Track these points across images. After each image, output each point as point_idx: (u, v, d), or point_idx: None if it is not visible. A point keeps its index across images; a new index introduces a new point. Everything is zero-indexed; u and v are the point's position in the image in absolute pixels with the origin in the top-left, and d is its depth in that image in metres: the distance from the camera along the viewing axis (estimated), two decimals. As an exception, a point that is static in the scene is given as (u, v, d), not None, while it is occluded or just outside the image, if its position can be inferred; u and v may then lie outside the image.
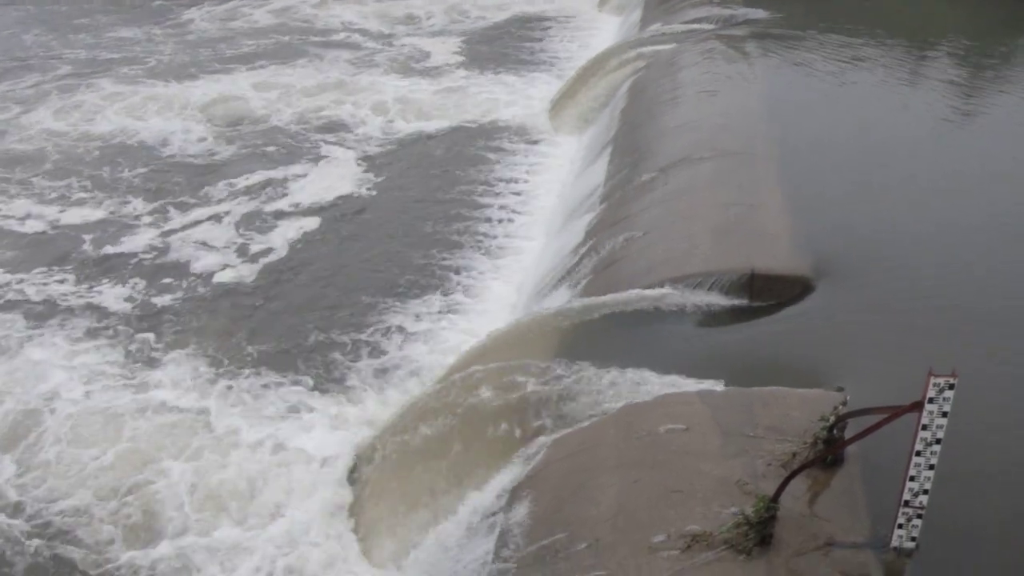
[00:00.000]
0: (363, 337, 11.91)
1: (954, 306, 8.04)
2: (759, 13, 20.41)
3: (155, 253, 14.48)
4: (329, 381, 11.03)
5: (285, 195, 16.62)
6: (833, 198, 10.50)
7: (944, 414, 4.80)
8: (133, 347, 11.86)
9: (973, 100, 14.27)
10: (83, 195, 16.86)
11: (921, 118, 13.58)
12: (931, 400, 4.77)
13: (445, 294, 12.88)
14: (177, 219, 15.71)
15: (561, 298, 10.07)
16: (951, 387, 4.72)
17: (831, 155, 11.89)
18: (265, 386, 10.96)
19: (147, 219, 15.75)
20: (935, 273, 8.63)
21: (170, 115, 21.03)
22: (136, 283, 13.54)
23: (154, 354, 11.72)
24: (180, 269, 13.97)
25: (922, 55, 17.62)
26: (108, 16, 32.61)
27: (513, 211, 15.56)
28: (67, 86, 23.50)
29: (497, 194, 16.31)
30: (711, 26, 19.78)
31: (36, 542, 8.75)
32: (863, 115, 13.67)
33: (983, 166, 11.35)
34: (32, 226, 15.58)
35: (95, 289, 13.41)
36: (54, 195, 16.81)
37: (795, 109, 14.01)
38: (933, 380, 4.72)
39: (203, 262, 14.16)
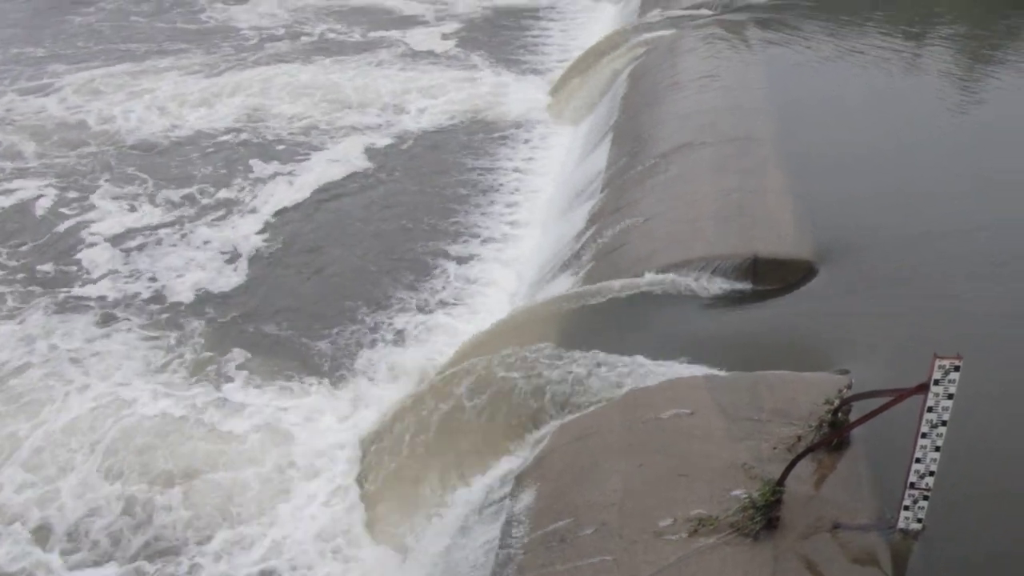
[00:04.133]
0: (364, 326, 11.91)
1: (957, 292, 8.02)
2: (759, -2, 20.35)
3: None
4: (332, 370, 11.04)
5: (280, 185, 16.62)
6: (835, 183, 10.48)
7: (950, 396, 4.80)
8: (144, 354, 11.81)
9: (977, 88, 14.21)
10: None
11: (924, 105, 13.54)
12: (936, 382, 4.77)
13: (445, 283, 12.88)
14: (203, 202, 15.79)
15: (564, 285, 10.06)
16: (956, 369, 4.72)
17: (833, 140, 11.88)
18: (269, 374, 10.98)
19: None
20: (937, 259, 8.61)
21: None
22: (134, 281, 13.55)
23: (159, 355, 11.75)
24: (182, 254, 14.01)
25: (924, 40, 17.59)
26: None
27: (513, 199, 15.55)
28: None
29: (496, 183, 16.30)
30: (711, 12, 19.71)
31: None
32: (865, 101, 13.64)
33: (986, 157, 11.29)
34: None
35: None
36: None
37: (796, 94, 13.99)
38: (938, 362, 4.72)
39: (206, 246, 14.21)
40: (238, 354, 11.43)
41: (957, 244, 8.88)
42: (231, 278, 13.36)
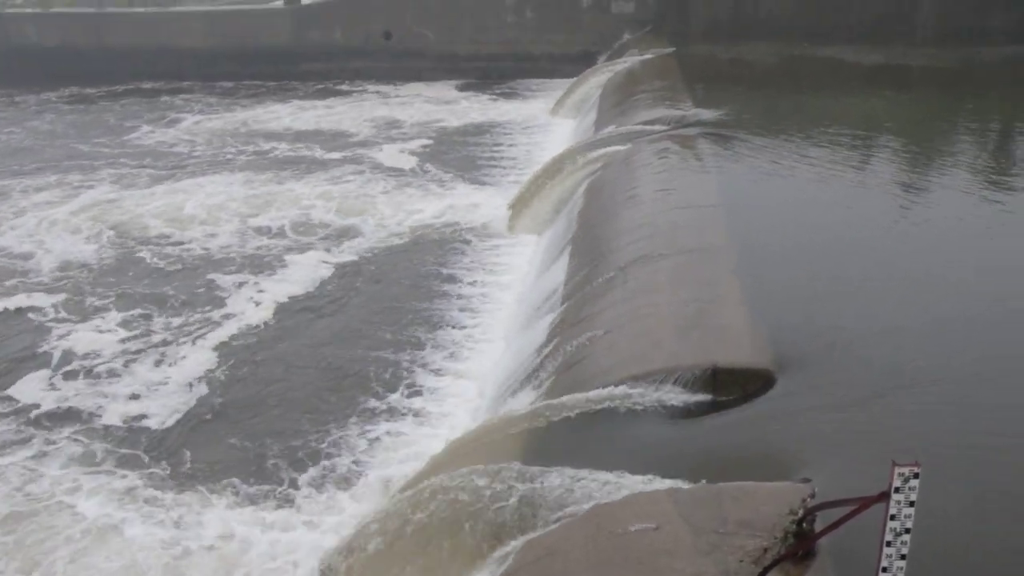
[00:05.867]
0: (324, 446, 11.76)
1: (913, 397, 8.13)
2: (709, 113, 21.01)
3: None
4: (291, 491, 10.84)
5: (240, 302, 16.57)
6: (790, 291, 10.69)
7: (911, 503, 4.81)
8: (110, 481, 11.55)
9: (911, 197, 14.71)
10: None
11: (870, 212, 13.93)
12: (897, 490, 4.78)
13: (407, 399, 12.80)
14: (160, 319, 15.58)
15: (525, 399, 10.04)
16: (916, 476, 4.74)
17: (786, 248, 12.16)
18: (223, 497, 10.76)
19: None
20: (886, 360, 8.75)
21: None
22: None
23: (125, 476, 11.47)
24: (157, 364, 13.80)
25: (867, 149, 18.22)
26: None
27: (474, 312, 15.62)
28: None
29: (457, 296, 16.39)
30: (664, 127, 20.27)
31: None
32: (814, 208, 14.07)
33: (933, 262, 11.65)
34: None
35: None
36: None
37: (747, 205, 14.32)
38: (898, 470, 4.74)
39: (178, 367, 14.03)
40: (193, 470, 11.29)
41: (902, 343, 9.09)
42: (184, 398, 13.18)
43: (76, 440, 12.16)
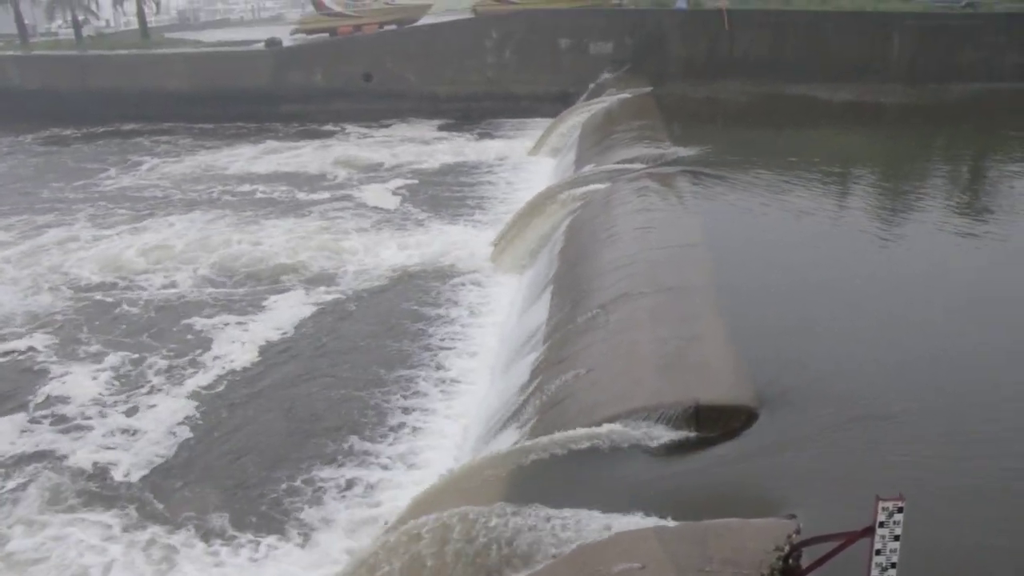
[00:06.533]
0: (310, 487, 11.67)
1: (892, 429, 8.18)
2: (686, 151, 21.21)
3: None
4: (275, 533, 10.75)
5: (222, 344, 16.49)
6: (770, 327, 10.74)
7: (896, 538, 4.82)
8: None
9: (896, 228, 14.86)
10: None
11: (849, 247, 14.06)
12: (882, 524, 4.79)
13: (391, 441, 12.72)
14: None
15: (510, 438, 10.00)
16: (900, 510, 4.75)
17: (765, 285, 12.24)
18: (203, 540, 10.66)
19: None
20: (864, 394, 8.83)
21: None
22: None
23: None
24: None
25: (843, 185, 18.42)
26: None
27: (458, 352, 15.58)
28: None
29: (441, 336, 16.36)
30: (643, 165, 20.42)
31: None
32: (793, 245, 14.18)
33: (889, 298, 11.79)
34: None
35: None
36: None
37: (728, 241, 14.42)
38: (882, 504, 4.76)
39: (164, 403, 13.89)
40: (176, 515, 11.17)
41: (875, 380, 9.21)
42: (166, 445, 13.07)
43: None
